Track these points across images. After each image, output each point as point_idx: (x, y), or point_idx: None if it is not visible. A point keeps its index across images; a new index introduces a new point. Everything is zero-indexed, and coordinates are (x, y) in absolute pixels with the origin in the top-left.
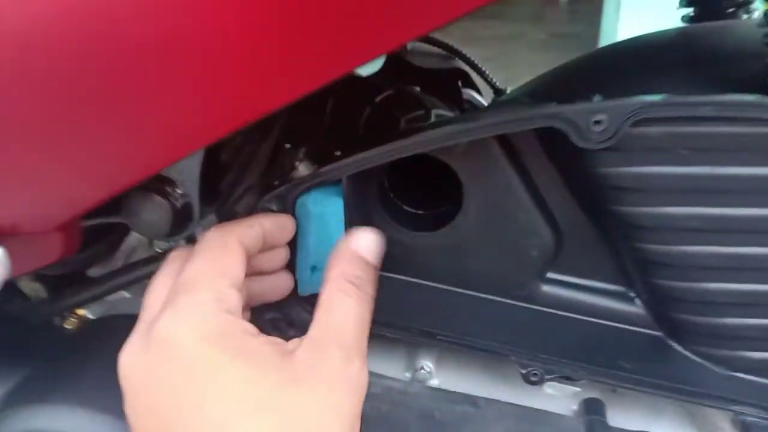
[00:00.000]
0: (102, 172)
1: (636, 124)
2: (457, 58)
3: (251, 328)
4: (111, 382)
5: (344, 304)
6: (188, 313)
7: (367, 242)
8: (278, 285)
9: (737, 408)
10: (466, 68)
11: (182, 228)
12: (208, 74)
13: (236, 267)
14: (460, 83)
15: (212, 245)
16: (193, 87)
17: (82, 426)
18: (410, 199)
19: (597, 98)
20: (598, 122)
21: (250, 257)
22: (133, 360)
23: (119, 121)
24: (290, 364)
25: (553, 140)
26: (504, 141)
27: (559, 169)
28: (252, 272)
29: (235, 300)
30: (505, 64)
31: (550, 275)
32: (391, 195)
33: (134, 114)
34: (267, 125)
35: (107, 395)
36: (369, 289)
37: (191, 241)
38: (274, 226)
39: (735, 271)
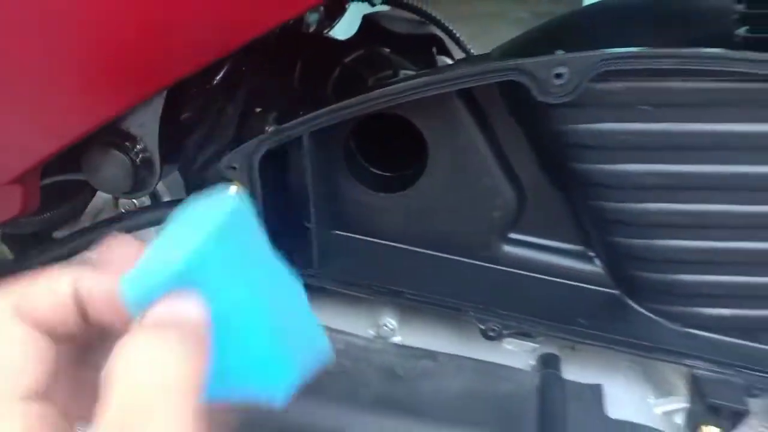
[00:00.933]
0: (53, 120)
1: (598, 78)
2: (432, 25)
3: None
4: None
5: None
6: None
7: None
8: None
9: (689, 362)
10: (442, 35)
11: (144, 184)
12: (152, 24)
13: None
14: (434, 49)
15: None
16: (139, 32)
17: None
18: (376, 161)
19: (559, 52)
20: (559, 75)
21: (60, 341)
22: None
23: (66, 69)
24: None
25: (517, 98)
26: (469, 99)
27: (522, 128)
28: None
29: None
30: (486, 42)
31: (513, 236)
32: (357, 156)
33: (81, 61)
34: (230, 87)
35: None
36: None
37: (155, 198)
38: (100, 289)
39: (692, 228)
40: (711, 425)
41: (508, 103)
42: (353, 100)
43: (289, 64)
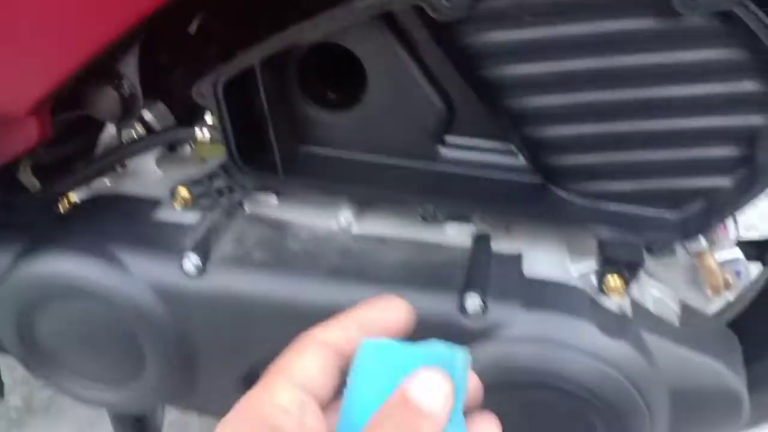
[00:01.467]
0: (51, 58)
1: None
2: None
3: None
4: (90, 238)
5: None
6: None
7: (430, 390)
8: None
9: (594, 228)
10: None
11: (131, 113)
12: None
13: (304, 368)
14: None
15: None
16: None
17: (72, 264)
18: (331, 83)
19: None
20: None
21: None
22: None
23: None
24: None
25: (431, 19)
26: (393, 24)
27: (440, 46)
28: None
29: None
30: None
31: (448, 139)
32: (311, 80)
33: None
34: (204, 35)
35: (88, 245)
36: None
37: (144, 124)
38: (379, 315)
39: (586, 115)
40: (614, 277)
41: (426, 24)
42: (285, 32)
43: (257, 12)
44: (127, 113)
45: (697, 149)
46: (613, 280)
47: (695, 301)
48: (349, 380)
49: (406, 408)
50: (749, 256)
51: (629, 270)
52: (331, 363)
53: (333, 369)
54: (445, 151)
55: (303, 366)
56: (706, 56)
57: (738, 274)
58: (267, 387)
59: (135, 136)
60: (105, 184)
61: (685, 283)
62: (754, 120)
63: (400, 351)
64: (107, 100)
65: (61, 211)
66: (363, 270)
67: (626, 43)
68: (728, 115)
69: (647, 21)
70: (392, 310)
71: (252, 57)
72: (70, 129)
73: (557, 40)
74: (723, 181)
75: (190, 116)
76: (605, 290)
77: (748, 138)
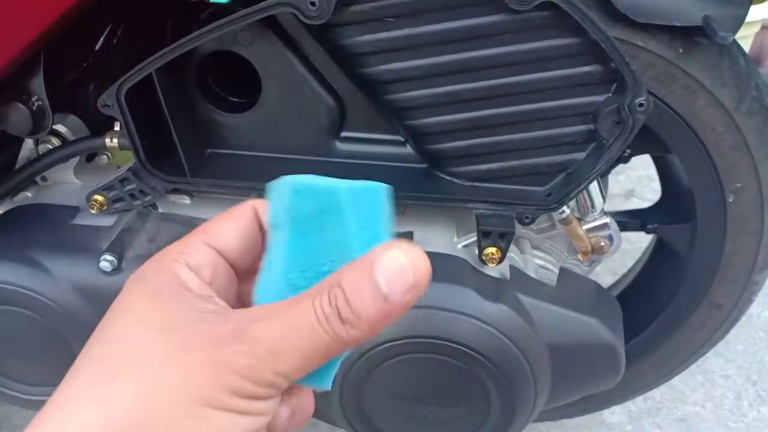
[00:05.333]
0: None
1: (349, 2)
2: None
3: (193, 283)
4: (9, 243)
5: (308, 338)
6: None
7: (394, 268)
8: None
9: (471, 205)
10: None
11: (41, 126)
12: None
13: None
14: None
15: None
16: None
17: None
18: (230, 89)
19: None
20: (313, 3)
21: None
22: None
23: None
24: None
25: (312, 25)
26: (278, 30)
27: (324, 47)
28: None
29: (196, 257)
30: None
31: (344, 134)
32: (212, 86)
33: None
34: (109, 52)
35: (10, 252)
36: (354, 338)
37: (60, 137)
38: None
39: (452, 104)
40: (492, 247)
41: (307, 28)
42: (175, 44)
43: (162, 27)
44: (37, 126)
45: (551, 129)
46: (490, 250)
47: (576, 267)
48: (272, 226)
49: (369, 278)
50: (631, 226)
51: (503, 239)
52: (254, 233)
53: (254, 238)
54: (341, 145)
55: (223, 230)
56: (545, 45)
57: (610, 238)
58: (184, 245)
59: (49, 147)
60: (27, 196)
61: (567, 252)
62: (594, 98)
63: (326, 189)
64: (17, 115)
65: None
66: None
67: (475, 39)
68: (573, 95)
69: (490, 18)
70: None
71: (147, 67)
72: None
73: (418, 38)
74: (577, 156)
75: (103, 127)
76: (484, 259)
77: (592, 114)
